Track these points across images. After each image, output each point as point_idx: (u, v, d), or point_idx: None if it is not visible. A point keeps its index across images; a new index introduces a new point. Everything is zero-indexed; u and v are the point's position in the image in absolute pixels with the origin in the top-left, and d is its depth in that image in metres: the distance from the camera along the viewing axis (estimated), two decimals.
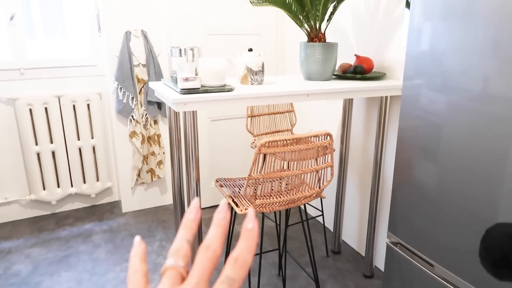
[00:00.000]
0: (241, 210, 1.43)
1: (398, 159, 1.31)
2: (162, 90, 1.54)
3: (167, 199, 2.95)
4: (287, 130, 2.49)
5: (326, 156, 1.44)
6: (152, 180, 2.81)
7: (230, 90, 1.47)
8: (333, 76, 1.98)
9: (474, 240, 1.08)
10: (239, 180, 1.71)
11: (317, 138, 1.37)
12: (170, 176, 2.87)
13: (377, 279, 2.12)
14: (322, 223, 2.51)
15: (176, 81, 1.54)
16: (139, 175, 2.76)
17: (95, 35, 2.70)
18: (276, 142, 1.27)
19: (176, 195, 1.98)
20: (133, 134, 2.68)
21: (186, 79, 1.42)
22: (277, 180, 1.62)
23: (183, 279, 0.28)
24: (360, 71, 1.89)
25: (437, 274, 1.20)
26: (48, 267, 2.14)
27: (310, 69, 1.79)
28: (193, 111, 1.43)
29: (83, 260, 2.20)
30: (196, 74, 1.51)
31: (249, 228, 0.28)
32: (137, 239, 0.32)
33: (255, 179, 1.35)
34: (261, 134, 2.40)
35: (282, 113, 2.47)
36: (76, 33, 2.79)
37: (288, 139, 1.29)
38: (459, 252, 1.12)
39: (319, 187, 1.53)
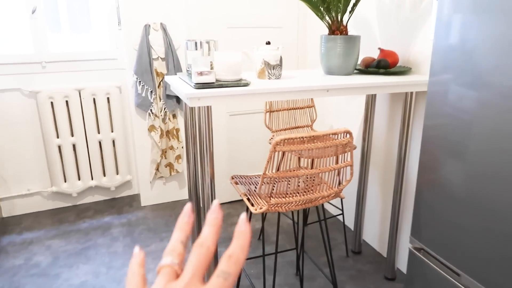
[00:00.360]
0: (256, 210, 1.38)
1: (423, 159, 1.23)
2: (177, 84, 1.50)
3: (186, 193, 2.94)
4: (307, 126, 2.42)
5: (346, 154, 1.38)
6: (170, 174, 2.80)
7: (246, 84, 1.42)
8: (355, 71, 1.90)
9: (506, 249, 0.99)
10: (255, 178, 1.66)
11: (336, 135, 1.31)
12: None
13: (399, 282, 2.04)
14: (342, 221, 2.44)
15: (191, 75, 1.50)
16: (157, 169, 2.76)
17: (115, 29, 2.69)
18: (292, 140, 1.22)
19: (192, 191, 1.95)
20: (151, 128, 2.67)
21: (201, 73, 1.37)
22: (294, 178, 1.57)
23: (177, 276, 0.29)
24: (383, 65, 1.80)
25: (464, 284, 1.12)
26: (67, 259, 2.17)
27: (331, 63, 1.71)
28: (207, 106, 1.39)
29: (101, 253, 2.21)
30: (211, 68, 1.46)
31: (242, 229, 0.30)
32: (136, 249, 0.34)
33: (270, 178, 1.30)
34: (280, 130, 2.34)
35: (302, 108, 2.40)
36: (100, 27, 2.79)
37: (305, 137, 1.23)
38: (489, 261, 1.04)
39: (338, 187, 1.46)
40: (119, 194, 2.93)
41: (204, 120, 1.41)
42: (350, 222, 2.58)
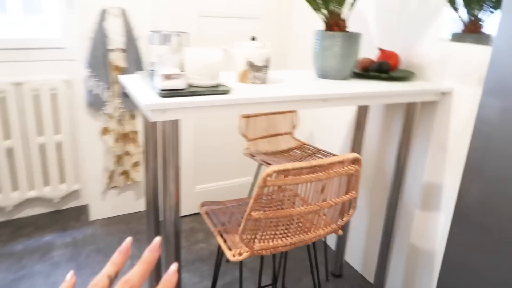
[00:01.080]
0: (234, 256, 1.06)
1: (462, 200, 0.96)
2: (135, 88, 1.15)
3: (143, 205, 2.56)
4: (287, 134, 2.12)
5: (351, 184, 1.08)
6: (126, 183, 2.42)
7: (225, 92, 1.09)
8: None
9: None
10: (232, 206, 1.34)
11: (342, 163, 1.01)
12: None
13: None
14: (323, 239, 2.17)
15: (154, 77, 1.15)
16: (110, 178, 2.37)
17: (66, 12, 2.26)
18: (288, 171, 0.91)
19: (150, 203, 1.59)
20: (105, 130, 2.27)
21: (168, 77, 1.03)
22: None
23: None
24: (386, 68, 1.52)
25: None
26: None
27: (327, 64, 1.41)
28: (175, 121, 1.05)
29: (37, 286, 1.81)
30: (182, 70, 1.12)
31: (169, 279, 0.32)
32: (69, 275, 0.33)
33: (256, 219, 0.98)
34: (257, 138, 2.03)
35: (282, 113, 2.10)
36: (51, 9, 2.33)
37: (304, 167, 0.93)
38: None
39: (337, 223, 1.17)
40: (64, 206, 2.51)
41: (169, 137, 1.07)
42: (331, 240, 2.32)
